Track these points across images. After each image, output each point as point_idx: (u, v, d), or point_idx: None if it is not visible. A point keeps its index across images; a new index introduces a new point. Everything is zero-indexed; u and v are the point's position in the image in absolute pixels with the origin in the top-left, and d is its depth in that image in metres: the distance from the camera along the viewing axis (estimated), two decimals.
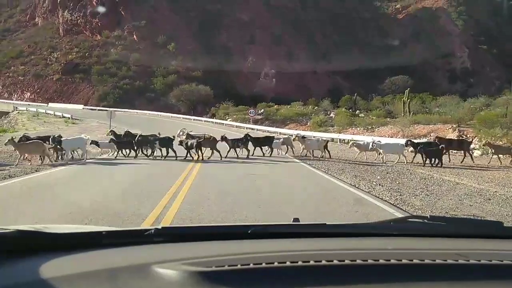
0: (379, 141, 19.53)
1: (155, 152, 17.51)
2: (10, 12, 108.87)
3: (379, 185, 11.60)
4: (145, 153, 17.69)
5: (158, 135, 18.25)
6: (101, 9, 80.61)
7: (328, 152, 19.37)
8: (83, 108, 62.71)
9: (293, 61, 75.55)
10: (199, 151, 17.00)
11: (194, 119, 50.99)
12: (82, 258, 1.53)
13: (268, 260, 1.42)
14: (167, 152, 17.29)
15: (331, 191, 10.55)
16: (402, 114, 36.85)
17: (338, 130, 35.19)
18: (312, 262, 1.42)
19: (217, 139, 18.04)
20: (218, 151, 17.45)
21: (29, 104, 63.90)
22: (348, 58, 79.16)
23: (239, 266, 1.38)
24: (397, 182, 12.30)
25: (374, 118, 39.83)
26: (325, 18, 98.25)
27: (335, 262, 1.42)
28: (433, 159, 17.25)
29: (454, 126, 28.86)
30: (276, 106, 53.91)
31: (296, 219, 2.20)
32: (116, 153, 17.82)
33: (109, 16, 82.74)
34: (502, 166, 17.99)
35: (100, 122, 39.03)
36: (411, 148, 18.69)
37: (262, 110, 50.84)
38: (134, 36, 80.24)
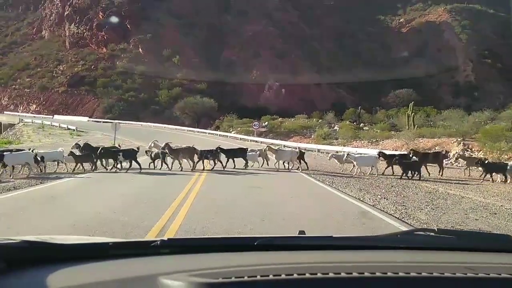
0: (353, 153, 19.47)
1: (118, 165, 16.96)
2: (18, 25, 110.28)
3: (384, 198, 11.54)
4: (105, 165, 17.27)
5: (118, 147, 17.91)
6: (114, 19, 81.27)
7: (306, 163, 18.94)
8: (88, 120, 63.03)
9: (297, 74, 75.78)
10: (167, 161, 17.13)
11: (198, 132, 51.11)
12: (89, 269, 1.53)
13: (275, 272, 1.42)
14: (130, 164, 16.87)
15: (335, 205, 10.50)
16: (407, 128, 36.79)
17: (342, 143, 35.13)
18: (319, 275, 1.41)
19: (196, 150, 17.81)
20: (193, 161, 17.29)
21: (34, 116, 64.34)
22: (352, 71, 79.44)
23: (246, 278, 1.38)
24: (402, 196, 12.23)
25: (378, 131, 39.79)
26: (328, 32, 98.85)
27: (343, 274, 1.41)
28: (411, 172, 17.13)
29: (459, 139, 28.76)
30: (280, 119, 53.97)
31: (302, 232, 2.20)
32: (75, 166, 16.56)
33: (115, 30, 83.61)
34: (474, 178, 17.90)
35: (105, 134, 39.18)
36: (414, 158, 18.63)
37: (266, 123, 50.90)
38: (140, 49, 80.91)
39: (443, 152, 21.48)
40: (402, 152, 23.54)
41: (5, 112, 73.29)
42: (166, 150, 17.27)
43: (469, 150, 26.42)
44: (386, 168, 18.58)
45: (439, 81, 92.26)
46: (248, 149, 19.82)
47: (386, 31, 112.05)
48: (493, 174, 17.41)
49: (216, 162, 17.95)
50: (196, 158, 17.80)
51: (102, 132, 42.30)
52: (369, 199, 11.40)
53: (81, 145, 17.64)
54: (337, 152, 21.91)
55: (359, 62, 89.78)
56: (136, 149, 17.46)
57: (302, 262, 1.62)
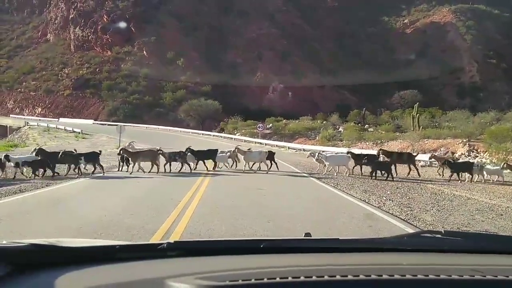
0: (324, 152, 19.27)
1: (81, 169, 16.25)
2: (23, 29, 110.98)
3: (389, 200, 11.51)
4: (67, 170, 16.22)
5: (74, 151, 17.10)
6: (122, 24, 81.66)
7: (276, 163, 18.68)
8: (93, 123, 63.28)
9: (300, 76, 75.85)
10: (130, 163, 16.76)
11: (202, 134, 51.21)
12: (96, 272, 1.53)
13: (282, 274, 1.42)
14: (94, 168, 16.43)
15: (340, 207, 10.47)
16: (412, 129, 36.69)
17: (347, 144, 35.07)
18: (326, 277, 1.41)
19: (158, 152, 17.50)
20: (157, 165, 16.90)
21: (40, 119, 64.70)
22: (356, 73, 79.32)
23: (253, 281, 1.38)
24: (408, 197, 12.19)
25: (383, 132, 39.71)
26: (332, 34, 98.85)
27: (350, 277, 1.41)
28: (382, 172, 17.18)
29: (465, 140, 28.65)
30: (284, 120, 53.98)
31: (307, 234, 2.19)
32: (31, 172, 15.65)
33: (119, 33, 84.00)
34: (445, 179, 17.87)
35: (110, 137, 39.33)
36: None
37: (271, 125, 50.93)
38: (144, 52, 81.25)
39: (414, 153, 21.34)
40: (371, 152, 23.42)
41: (10, 115, 73.75)
42: (126, 152, 16.98)
43: (474, 151, 26.30)
44: (353, 167, 18.42)
45: (444, 82, 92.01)
46: (219, 150, 19.39)
47: (390, 32, 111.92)
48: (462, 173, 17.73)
49: (183, 164, 17.55)
50: (163, 160, 17.43)
51: (107, 135, 42.44)
52: (374, 200, 11.37)
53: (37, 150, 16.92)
54: (323, 152, 21.58)
55: (362, 63, 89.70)
56: (98, 152, 17.02)
57: (309, 264, 1.62)
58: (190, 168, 17.56)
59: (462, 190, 14.36)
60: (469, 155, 25.82)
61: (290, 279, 1.39)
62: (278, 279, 1.38)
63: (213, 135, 50.33)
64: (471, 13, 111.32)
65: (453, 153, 26.20)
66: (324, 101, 74.94)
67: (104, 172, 16.24)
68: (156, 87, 73.98)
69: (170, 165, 17.38)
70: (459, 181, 17.02)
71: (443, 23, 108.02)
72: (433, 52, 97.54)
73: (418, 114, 38.57)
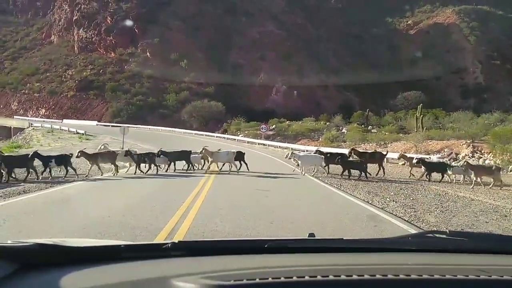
0: (298, 152, 18.98)
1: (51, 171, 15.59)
2: (27, 31, 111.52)
3: (393, 201, 11.49)
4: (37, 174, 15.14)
5: (70, 155, 16.30)
6: (129, 22, 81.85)
7: (246, 164, 18.37)
8: (96, 124, 63.46)
9: (304, 77, 75.82)
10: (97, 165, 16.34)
11: (206, 135, 51.26)
12: (101, 271, 1.54)
13: (287, 274, 1.42)
14: (66, 171, 15.74)
15: (344, 207, 10.45)
16: (415, 130, 36.60)
17: (350, 145, 35.01)
18: (331, 277, 1.41)
19: (116, 153, 17.17)
20: (116, 166, 16.60)
21: (44, 121, 64.94)
22: (359, 74, 79.34)
23: (257, 280, 1.38)
24: (411, 198, 12.16)
25: (386, 133, 39.62)
26: (335, 35, 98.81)
27: (354, 277, 1.41)
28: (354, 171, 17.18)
29: (468, 141, 28.55)
30: (287, 121, 53.95)
31: (311, 234, 2.19)
32: None
33: (123, 34, 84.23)
34: (418, 179, 17.84)
35: (113, 138, 39.37)
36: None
37: (274, 126, 50.91)
38: (147, 53, 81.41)
39: (384, 153, 21.23)
40: (340, 151, 23.37)
41: (14, 116, 73.99)
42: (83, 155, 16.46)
43: (478, 152, 26.21)
44: (324, 167, 18.22)
45: (447, 83, 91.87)
46: (192, 151, 19.03)
47: (394, 33, 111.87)
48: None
49: (152, 166, 17.27)
50: (128, 162, 17.14)
51: (111, 136, 42.52)
52: (378, 201, 11.35)
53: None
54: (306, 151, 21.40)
55: (366, 64, 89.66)
56: (69, 155, 16.37)
57: (313, 264, 1.62)
58: (157, 170, 17.30)
59: (466, 191, 14.32)
60: (473, 156, 25.73)
61: (295, 278, 1.39)
62: (282, 279, 1.38)
63: (216, 136, 50.39)
64: (475, 14, 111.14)
65: (456, 154, 26.12)
66: (328, 102, 74.89)
67: (77, 175, 15.54)
68: (159, 89, 74.13)
69: (138, 167, 16.99)
70: (428, 180, 17.13)
71: (447, 24, 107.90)
72: (437, 53, 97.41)
73: (421, 115, 38.45)
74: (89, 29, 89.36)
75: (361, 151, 21.67)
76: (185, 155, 18.47)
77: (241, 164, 18.43)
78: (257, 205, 10.24)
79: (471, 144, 27.79)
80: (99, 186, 14.10)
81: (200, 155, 18.45)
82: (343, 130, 45.43)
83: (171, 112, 69.11)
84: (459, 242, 1.99)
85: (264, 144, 39.18)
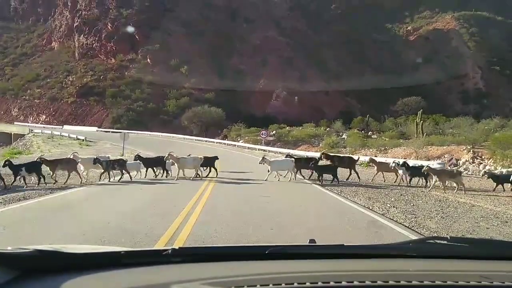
0: (268, 157, 18.52)
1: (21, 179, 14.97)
2: (28, 37, 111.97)
3: (393, 207, 11.46)
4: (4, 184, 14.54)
5: (9, 161, 15.62)
6: (130, 29, 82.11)
7: (216, 170, 18.13)
8: (97, 130, 63.49)
9: (305, 82, 75.96)
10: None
11: (206, 141, 51.26)
12: (102, 278, 1.53)
13: (287, 280, 1.41)
14: (39, 178, 15.05)
15: (344, 213, 10.42)
16: (415, 136, 36.59)
17: (351, 151, 34.99)
18: (332, 283, 1.40)
19: (77, 160, 16.57)
20: (78, 173, 16.06)
21: (44, 127, 65.00)
22: (360, 79, 79.53)
23: (258, 287, 1.37)
24: (412, 204, 12.13)
25: (387, 139, 39.59)
26: (336, 41, 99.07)
27: (356, 283, 1.40)
28: (328, 176, 17.13)
29: (469, 147, 28.54)
30: (288, 127, 53.95)
31: (312, 240, 2.18)
32: None
33: (124, 40, 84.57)
34: (390, 184, 17.88)
35: (114, 144, 39.37)
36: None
37: (274, 132, 50.90)
38: (148, 59, 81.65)
39: (355, 158, 21.19)
40: (310, 156, 23.35)
41: (15, 122, 74.11)
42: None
43: (479, 158, 26.19)
44: (296, 172, 17.98)
45: (447, 88, 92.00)
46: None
47: (394, 39, 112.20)
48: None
49: (124, 172, 16.77)
50: (99, 169, 16.73)
51: (111, 142, 42.52)
52: (379, 207, 11.32)
53: None
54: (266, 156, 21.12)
55: (366, 70, 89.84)
56: (40, 161, 15.89)
57: (315, 270, 1.62)
58: (130, 177, 16.89)
59: (466, 197, 14.29)
60: (473, 162, 25.71)
61: (296, 285, 1.38)
62: (284, 285, 1.38)
63: (217, 142, 50.38)
64: (474, 20, 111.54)
65: (457, 160, 26.10)
66: (328, 108, 74.97)
67: (46, 183, 14.96)
68: (160, 94, 74.29)
69: (108, 174, 16.55)
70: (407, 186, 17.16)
71: (447, 30, 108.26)
72: (437, 58, 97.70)
73: (422, 121, 38.45)
74: (89, 35, 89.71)
75: (331, 155, 21.58)
76: (161, 161, 17.98)
77: (210, 170, 18.12)
78: (257, 211, 10.22)
79: (471, 150, 27.77)
80: (99, 192, 14.09)
81: (170, 161, 17.90)
82: (344, 136, 45.42)
83: (171, 118, 69.24)
84: (460, 248, 1.98)
85: (264, 150, 39.14)
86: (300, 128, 53.18)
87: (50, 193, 13.19)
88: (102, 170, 16.60)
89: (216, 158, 18.81)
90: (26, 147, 45.38)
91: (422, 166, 17.42)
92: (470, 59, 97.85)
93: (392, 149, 34.22)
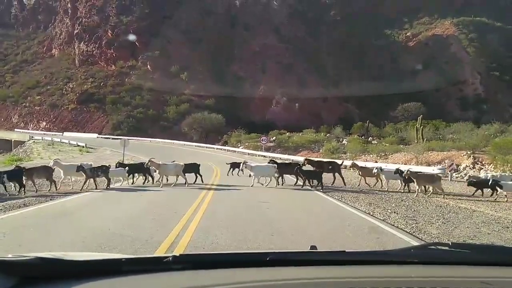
0: (249, 163, 18.39)
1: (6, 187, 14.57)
2: (28, 44, 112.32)
3: (394, 212, 11.44)
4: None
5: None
6: (132, 37, 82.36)
7: (201, 176, 17.92)
8: (97, 137, 63.54)
9: (304, 89, 76.11)
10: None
11: (206, 147, 51.28)
12: (102, 285, 1.53)
13: (289, 287, 1.41)
14: (20, 186, 14.66)
15: (345, 219, 10.40)
16: (416, 141, 36.61)
17: (351, 157, 35.00)
18: None
19: (52, 168, 16.20)
20: (53, 181, 15.76)
21: (44, 134, 65.05)
22: (360, 85, 79.67)
23: None
24: (412, 210, 12.12)
25: (387, 145, 39.61)
26: (335, 47, 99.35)
27: None
28: (312, 181, 17.19)
29: (469, 152, 28.54)
30: (288, 133, 54.01)
31: (313, 247, 2.18)
32: None
33: (124, 47, 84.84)
34: (373, 189, 17.99)
35: (114, 151, 39.38)
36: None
37: (274, 138, 50.94)
38: (148, 66, 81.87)
39: (339, 162, 21.23)
40: (288, 161, 23.44)
41: (15, 129, 74.19)
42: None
43: (479, 163, 26.19)
44: (278, 177, 17.88)
45: (447, 94, 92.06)
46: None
47: (393, 45, 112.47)
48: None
49: (109, 179, 16.59)
50: (81, 176, 16.40)
51: (111, 149, 42.53)
52: (379, 213, 11.30)
53: None
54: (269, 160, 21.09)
55: (366, 76, 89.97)
56: (22, 168, 15.72)
57: (316, 277, 1.61)
58: (108, 184, 16.50)
59: (467, 202, 14.27)
60: (473, 167, 25.70)
61: None
62: None
63: (217, 148, 50.40)
64: (473, 26, 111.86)
65: (457, 165, 26.09)
66: (328, 113, 75.06)
67: (24, 192, 14.53)
68: (160, 101, 74.46)
69: (94, 181, 16.23)
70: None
71: (446, 35, 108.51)
72: (436, 64, 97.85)
73: (421, 127, 38.48)
74: (90, 43, 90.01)
75: (314, 160, 21.45)
76: (144, 168, 17.71)
77: (196, 177, 17.97)
78: (257, 217, 10.21)
79: (471, 155, 27.78)
80: (99, 199, 14.07)
81: (151, 167, 17.58)
82: (344, 142, 45.45)
83: (171, 124, 69.33)
84: (462, 254, 1.97)
85: (264, 156, 39.14)
86: (300, 134, 53.25)
87: (50, 200, 13.17)
88: (85, 178, 16.16)
89: (197, 164, 18.61)
90: (27, 154, 45.40)
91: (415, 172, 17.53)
92: (469, 64, 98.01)
93: (392, 154, 34.24)
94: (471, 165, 26.02)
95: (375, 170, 18.26)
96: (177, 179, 17.68)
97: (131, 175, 18.25)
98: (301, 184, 17.31)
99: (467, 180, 18.29)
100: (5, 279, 1.48)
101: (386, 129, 54.72)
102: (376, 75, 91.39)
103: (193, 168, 18.34)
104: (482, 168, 25.15)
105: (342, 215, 11.07)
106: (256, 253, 2.21)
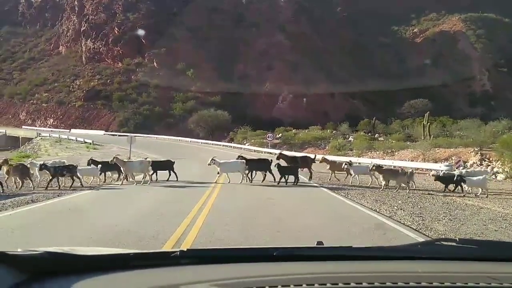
0: (217, 159, 17.82)
1: None
2: (35, 42, 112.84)
3: (401, 209, 11.41)
4: None
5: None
6: (136, 33, 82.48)
7: (175, 173, 17.60)
8: (104, 134, 63.79)
9: (310, 86, 75.83)
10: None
11: (212, 144, 51.32)
12: (111, 280, 1.54)
13: (296, 282, 1.41)
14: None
15: (351, 216, 10.39)
16: (422, 138, 36.41)
17: (357, 154, 34.89)
18: (341, 284, 1.40)
19: (27, 167, 15.80)
20: (31, 180, 15.38)
21: (52, 130, 65.39)
22: (366, 82, 79.28)
23: None
24: (419, 207, 12.08)
25: (393, 141, 39.41)
26: (342, 44, 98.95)
27: (365, 284, 1.40)
28: (288, 177, 17.09)
29: (476, 149, 28.35)
30: (294, 130, 53.91)
31: (320, 243, 2.18)
32: None
33: (130, 44, 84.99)
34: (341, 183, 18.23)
35: (120, 147, 39.52)
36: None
37: (280, 135, 50.87)
38: (154, 63, 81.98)
39: (314, 157, 20.87)
40: (262, 157, 23.36)
41: (23, 126, 74.71)
42: None
43: (486, 160, 26.01)
44: (248, 173, 17.71)
45: (454, 91, 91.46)
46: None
47: (400, 42, 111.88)
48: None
49: (74, 179, 15.82)
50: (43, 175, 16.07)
51: (118, 145, 42.69)
52: (386, 210, 11.28)
53: None
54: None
55: (373, 73, 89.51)
56: None
57: (323, 272, 1.61)
58: (81, 183, 15.92)
59: (474, 199, 14.20)
60: (481, 164, 25.53)
61: (304, 286, 1.38)
62: (292, 287, 1.38)
63: (223, 145, 50.44)
64: (481, 22, 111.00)
65: (464, 162, 25.93)
66: (334, 110, 74.75)
67: (3, 190, 14.15)
68: (166, 98, 74.56)
69: (58, 180, 15.60)
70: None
71: (453, 32, 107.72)
72: (443, 60, 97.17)
73: (428, 123, 38.27)
74: (96, 40, 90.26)
75: (288, 155, 21.24)
76: (117, 165, 17.21)
77: (169, 174, 17.72)
78: (264, 214, 10.23)
79: (479, 152, 27.59)
80: (105, 196, 14.15)
81: (113, 163, 17.11)
82: (350, 139, 45.29)
83: (177, 121, 69.43)
84: (469, 249, 1.97)
85: (270, 153, 39.11)
86: (306, 131, 53.11)
87: (58, 196, 13.27)
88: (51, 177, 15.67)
89: (172, 162, 18.39)
90: (34, 151, 45.70)
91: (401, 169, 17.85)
92: (477, 61, 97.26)
93: (399, 151, 34.07)
94: (479, 162, 25.85)
95: (344, 166, 18.65)
96: (148, 176, 17.17)
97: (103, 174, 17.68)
98: (277, 180, 16.92)
99: (433, 175, 18.76)
100: (15, 274, 1.50)
101: (392, 126, 54.45)
102: (383, 72, 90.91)
103: (167, 165, 18.17)
104: (489, 165, 24.98)
105: (348, 212, 11.07)
106: (263, 248, 2.22)
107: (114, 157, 17.25)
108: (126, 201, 12.84)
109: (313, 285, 1.39)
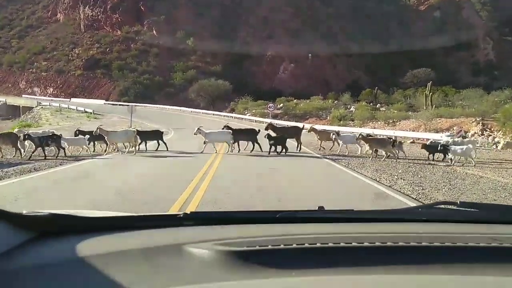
0: (203, 128, 17.68)
1: None
2: (33, 9, 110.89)
3: (401, 179, 11.48)
4: None
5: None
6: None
7: (165, 143, 17.65)
8: (104, 103, 63.63)
9: (312, 55, 75.04)
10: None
11: (213, 114, 51.26)
12: (116, 239, 1.56)
13: (298, 241, 1.43)
14: None
15: (351, 185, 10.48)
16: (424, 108, 36.31)
17: (359, 124, 34.88)
18: (342, 244, 1.42)
19: (19, 135, 15.65)
20: (19, 149, 15.39)
21: (52, 99, 65.20)
22: (368, 51, 78.33)
23: (270, 247, 1.40)
24: (419, 176, 12.15)
25: (395, 111, 39.33)
26: (344, 12, 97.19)
27: (366, 244, 1.42)
28: (279, 147, 17.19)
29: (478, 119, 28.31)
30: (295, 100, 53.70)
31: (321, 207, 2.20)
32: None
33: (129, 12, 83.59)
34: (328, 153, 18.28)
35: (121, 117, 39.52)
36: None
37: (282, 105, 50.72)
38: (154, 31, 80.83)
39: (302, 127, 20.88)
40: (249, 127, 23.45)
41: (23, 95, 74.42)
42: None
43: (488, 130, 26.00)
44: (234, 143, 17.66)
45: (458, 60, 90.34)
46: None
47: (404, 9, 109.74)
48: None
49: (59, 149, 15.68)
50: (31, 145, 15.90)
51: (119, 115, 42.67)
52: (386, 179, 11.35)
53: None
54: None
55: (375, 42, 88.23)
56: None
57: (325, 232, 1.64)
58: (65, 153, 15.87)
59: (474, 168, 14.26)
60: (482, 134, 25.54)
61: (306, 245, 1.40)
62: (294, 246, 1.40)
63: (224, 115, 50.38)
64: None
65: (466, 132, 25.93)
66: (336, 80, 74.21)
67: None
68: (166, 67, 73.91)
69: (43, 150, 15.37)
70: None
71: None
72: (447, 29, 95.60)
73: (431, 93, 38.09)
74: (95, 7, 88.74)
75: (277, 126, 21.20)
76: (102, 136, 17.08)
77: (159, 144, 17.70)
78: (265, 183, 10.30)
79: (480, 122, 27.56)
80: (109, 164, 14.23)
81: (97, 133, 16.93)
82: (351, 109, 45.17)
83: (178, 91, 69.03)
84: (470, 212, 1.98)
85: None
86: (308, 101, 52.91)
87: (60, 164, 13.35)
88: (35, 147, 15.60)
89: (161, 132, 18.43)
90: (35, 120, 45.74)
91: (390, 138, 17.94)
92: (481, 29, 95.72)
93: (401, 121, 34.05)
94: (480, 132, 25.85)
95: (332, 136, 18.85)
96: (133, 146, 17.13)
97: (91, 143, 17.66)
98: (267, 151, 16.97)
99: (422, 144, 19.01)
100: (21, 233, 1.52)
101: (394, 96, 54.23)
102: (385, 41, 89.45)
103: (156, 135, 18.23)
104: (491, 135, 24.99)
105: (349, 182, 11.15)
106: (266, 211, 2.24)
107: (97, 128, 17.14)
108: (130, 169, 12.90)
109: (315, 244, 1.41)
